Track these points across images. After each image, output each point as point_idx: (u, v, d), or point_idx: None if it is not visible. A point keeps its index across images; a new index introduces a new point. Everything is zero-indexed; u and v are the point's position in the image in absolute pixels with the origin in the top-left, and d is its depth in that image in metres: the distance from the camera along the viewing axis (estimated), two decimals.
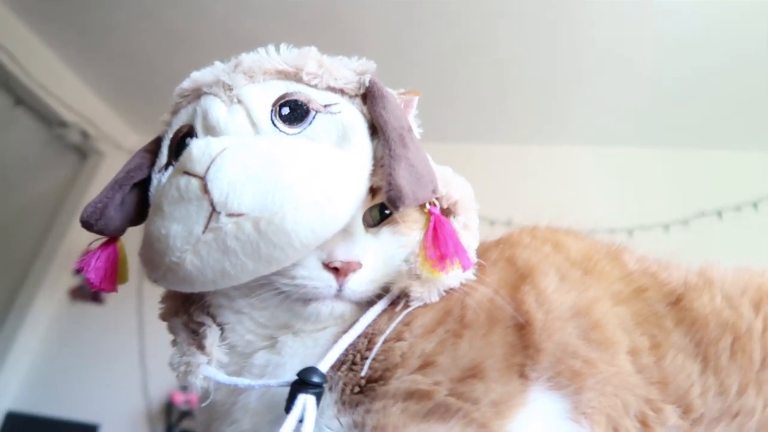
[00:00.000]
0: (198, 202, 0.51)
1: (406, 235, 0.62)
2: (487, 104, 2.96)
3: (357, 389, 0.53)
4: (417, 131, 0.68)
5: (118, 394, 3.03)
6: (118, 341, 3.16)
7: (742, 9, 2.17)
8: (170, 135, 0.62)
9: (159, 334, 2.52)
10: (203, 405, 0.61)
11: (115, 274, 0.62)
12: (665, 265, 0.65)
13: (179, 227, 0.52)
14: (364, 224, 0.60)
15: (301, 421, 0.49)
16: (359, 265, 0.57)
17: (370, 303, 0.59)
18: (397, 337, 0.55)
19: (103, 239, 0.62)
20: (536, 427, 0.51)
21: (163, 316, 0.65)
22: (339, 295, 0.57)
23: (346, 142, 0.57)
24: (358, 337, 0.56)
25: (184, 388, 2.88)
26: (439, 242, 0.55)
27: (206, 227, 0.50)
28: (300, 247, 0.50)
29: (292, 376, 0.52)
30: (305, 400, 0.50)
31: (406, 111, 0.67)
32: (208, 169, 0.51)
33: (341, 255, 0.56)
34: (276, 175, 0.50)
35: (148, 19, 2.70)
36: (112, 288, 0.63)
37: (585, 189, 2.92)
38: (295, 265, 0.55)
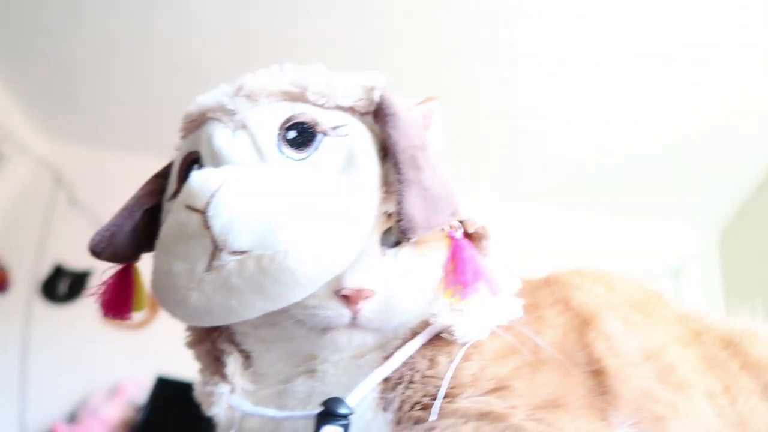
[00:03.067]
0: (199, 239, 0.49)
1: (427, 256, 0.59)
2: None
3: (417, 407, 0.52)
4: (439, 142, 0.65)
5: None
6: None
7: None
8: (179, 161, 0.60)
9: (46, 357, 2.29)
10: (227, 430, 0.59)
11: (128, 302, 0.62)
12: (702, 311, 0.69)
13: (182, 265, 0.50)
14: (383, 246, 0.58)
15: None
16: (371, 292, 0.55)
17: (413, 333, 0.57)
18: (464, 358, 0.54)
19: (117, 266, 0.62)
20: None
21: (189, 344, 0.64)
22: (355, 323, 0.55)
23: (353, 167, 0.55)
24: (406, 362, 0.55)
25: (71, 419, 2.64)
26: (457, 269, 0.54)
27: (209, 266, 0.48)
28: (307, 284, 0.49)
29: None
30: None
31: (426, 122, 0.64)
32: (208, 204, 0.48)
33: (350, 282, 0.54)
34: (276, 211, 0.48)
35: (82, 26, 2.57)
36: (125, 316, 0.62)
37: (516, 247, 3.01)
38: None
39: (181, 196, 0.52)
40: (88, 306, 2.55)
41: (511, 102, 2.63)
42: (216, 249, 0.47)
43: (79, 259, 3.08)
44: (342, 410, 0.50)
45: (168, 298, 0.52)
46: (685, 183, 2.94)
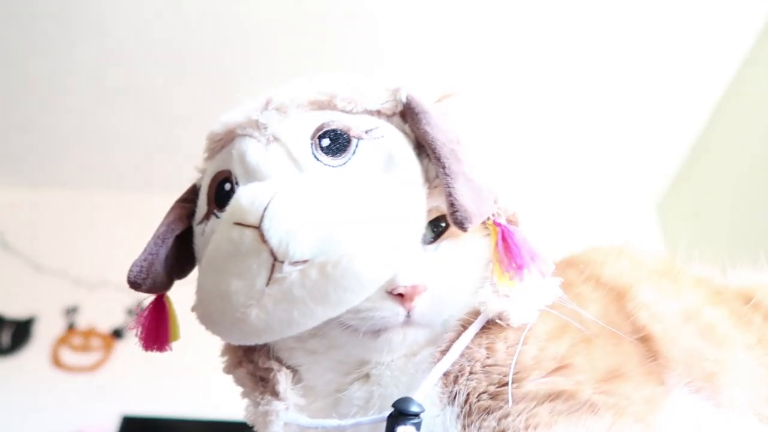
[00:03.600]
0: (256, 254, 0.48)
1: (466, 248, 0.60)
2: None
3: (485, 397, 0.53)
4: (469, 136, 0.65)
5: None
6: None
7: None
8: (207, 182, 0.60)
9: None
10: None
11: (167, 333, 0.62)
12: (709, 273, 0.73)
13: (239, 282, 0.49)
14: (421, 243, 0.58)
15: None
16: (425, 287, 0.55)
17: (464, 324, 0.58)
18: (523, 341, 0.55)
19: (151, 298, 0.62)
20: (689, 428, 0.53)
21: (227, 369, 0.63)
22: (409, 321, 0.55)
23: (394, 167, 0.55)
24: (462, 354, 0.55)
25: None
26: (512, 253, 0.54)
27: (270, 279, 0.48)
28: (370, 286, 0.49)
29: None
30: None
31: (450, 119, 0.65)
32: (262, 218, 0.48)
33: (404, 280, 0.53)
34: (334, 216, 0.48)
35: (6, 65, 2.47)
36: (165, 348, 0.63)
37: None
38: None
39: (228, 215, 0.52)
40: (36, 353, 2.44)
41: None
42: (276, 261, 0.47)
43: (19, 305, 2.93)
44: (414, 409, 0.50)
45: (222, 319, 0.51)
46: (618, 156, 3.04)
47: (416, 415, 0.50)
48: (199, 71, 2.48)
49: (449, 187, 0.51)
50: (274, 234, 0.47)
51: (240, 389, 0.60)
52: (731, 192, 2.65)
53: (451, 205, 0.51)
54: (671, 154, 3.00)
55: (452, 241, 0.60)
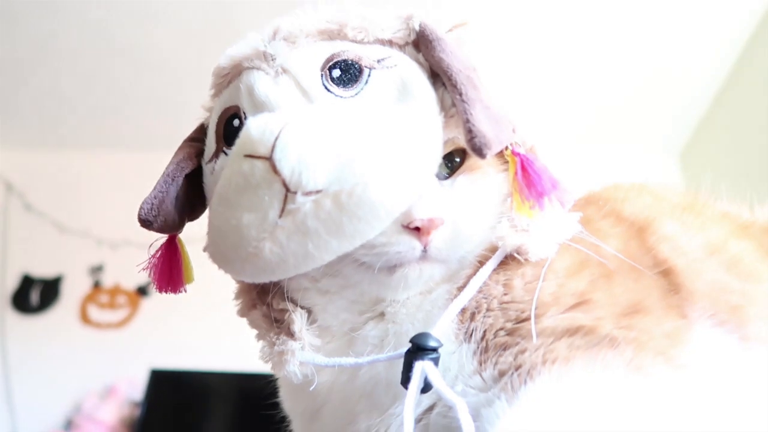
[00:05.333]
0: (268, 185, 0.47)
1: (482, 181, 0.58)
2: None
3: (502, 333, 0.52)
4: (484, 66, 0.63)
5: None
6: None
7: None
8: (215, 119, 0.58)
9: (30, 369, 2.24)
10: (293, 395, 0.61)
11: (181, 275, 0.61)
12: (738, 209, 0.70)
13: (251, 216, 0.48)
14: (437, 177, 0.56)
15: (424, 390, 0.48)
16: (442, 220, 0.53)
17: (481, 260, 0.57)
18: (539, 278, 0.54)
19: (163, 239, 0.61)
20: (714, 360, 0.52)
21: (241, 312, 0.62)
22: (425, 256, 0.54)
23: (409, 96, 0.53)
24: (480, 289, 0.55)
25: (67, 427, 2.61)
26: (533, 180, 0.53)
27: (282, 211, 0.47)
28: (385, 217, 0.47)
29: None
30: (423, 367, 0.48)
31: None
32: (273, 148, 0.47)
33: (421, 213, 0.52)
34: (348, 144, 0.47)
35: (12, 27, 2.45)
36: (180, 289, 0.62)
37: None
38: None
39: (238, 148, 0.50)
40: (65, 311, 2.50)
41: None
42: (288, 192, 0.46)
43: (46, 265, 3.00)
44: (432, 344, 0.49)
45: (235, 254, 0.50)
46: (638, 108, 2.98)
47: (434, 350, 0.49)
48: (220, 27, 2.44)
49: (466, 114, 0.49)
50: (286, 164, 0.46)
51: (255, 332, 0.60)
52: (753, 141, 2.59)
53: (469, 131, 0.49)
54: (693, 103, 2.93)
55: (468, 176, 0.58)
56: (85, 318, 2.89)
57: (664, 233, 0.60)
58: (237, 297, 0.62)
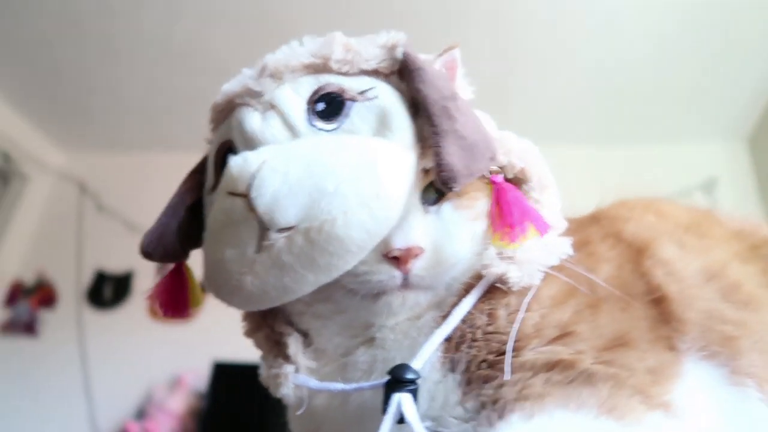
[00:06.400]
0: (246, 222, 0.49)
1: (470, 208, 0.58)
2: None
3: (484, 365, 0.51)
4: (467, 91, 0.64)
5: (63, 430, 2.83)
6: (58, 374, 2.94)
7: None
8: (213, 153, 0.60)
9: (105, 361, 2.36)
10: (300, 415, 0.60)
11: (185, 300, 0.63)
12: (755, 223, 0.66)
13: (232, 251, 0.50)
14: (423, 204, 0.57)
15: (401, 421, 0.47)
16: (420, 249, 0.54)
17: (467, 288, 0.56)
18: (525, 308, 0.53)
19: (170, 266, 0.63)
20: (698, 399, 0.49)
21: (247, 333, 0.63)
22: (406, 283, 0.54)
23: (386, 128, 0.54)
24: (465, 318, 0.54)
25: (140, 416, 2.74)
26: (503, 212, 0.53)
27: (259, 247, 0.48)
28: (357, 251, 0.49)
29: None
30: (400, 399, 0.48)
31: (451, 73, 0.63)
32: (249, 186, 0.49)
33: (399, 242, 0.53)
34: (318, 181, 0.48)
35: (76, 30, 2.56)
36: (185, 314, 0.63)
37: None
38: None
39: (222, 184, 0.53)
40: (135, 306, 2.63)
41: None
42: (263, 229, 0.48)
43: (118, 262, 3.16)
44: (409, 375, 0.49)
45: (222, 286, 0.52)
46: (702, 90, 2.84)
47: (412, 381, 0.49)
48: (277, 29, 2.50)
49: (437, 146, 0.50)
50: (261, 202, 0.47)
51: (259, 352, 0.61)
52: None
53: (438, 164, 0.49)
54: (761, 84, 2.78)
55: (455, 202, 0.58)
56: (153, 312, 3.02)
57: (661, 257, 0.58)
58: (243, 319, 0.64)
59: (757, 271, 0.58)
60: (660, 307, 0.53)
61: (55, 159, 3.45)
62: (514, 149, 0.59)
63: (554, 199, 0.61)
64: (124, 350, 2.94)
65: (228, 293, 0.53)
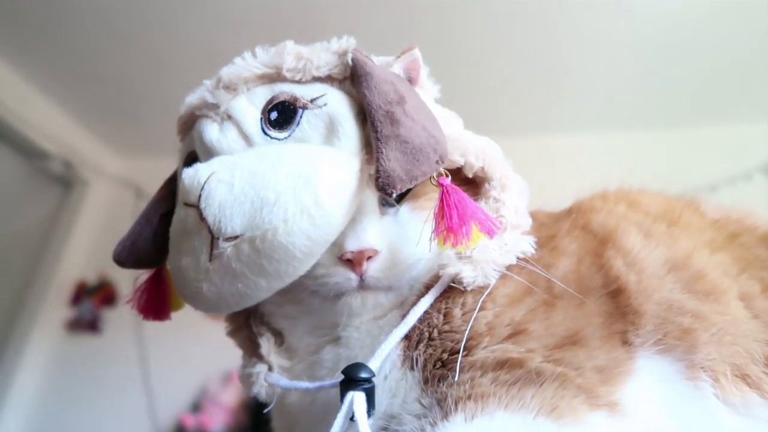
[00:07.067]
0: (199, 232, 0.51)
1: (427, 209, 0.57)
2: (477, 97, 2.94)
3: (439, 364, 0.52)
4: (430, 90, 0.64)
5: (125, 422, 2.96)
6: (120, 369, 3.09)
7: None
8: (181, 163, 0.62)
9: (163, 357, 2.46)
10: (276, 412, 0.62)
11: (165, 303, 0.64)
12: (744, 212, 0.63)
13: (188, 259, 0.52)
14: (383, 206, 0.58)
15: (353, 419, 0.48)
16: (374, 251, 0.55)
17: (428, 288, 0.57)
18: (479, 307, 0.53)
19: (149, 272, 0.64)
20: (649, 397, 0.48)
21: (230, 334, 0.65)
22: (363, 285, 0.55)
23: (334, 135, 0.55)
24: (425, 315, 0.55)
25: (195, 409, 2.85)
26: (444, 215, 0.52)
27: (211, 255, 0.50)
28: (303, 257, 0.49)
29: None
30: (352, 397, 0.48)
31: (413, 72, 0.64)
32: (199, 197, 0.50)
33: (351, 245, 0.54)
34: (260, 191, 0.49)
35: (127, 42, 2.67)
36: (165, 317, 0.64)
37: (574, 177, 2.90)
38: (315, 264, 0.53)
39: (179, 195, 0.54)
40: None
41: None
42: (213, 239, 0.49)
43: None
44: (362, 375, 0.49)
45: (185, 292, 0.54)
46: (761, 76, 2.69)
47: (366, 380, 0.49)
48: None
49: (377, 152, 0.50)
50: (209, 212, 0.49)
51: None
52: None
53: (376, 170, 0.49)
54: None
55: (412, 203, 0.58)
56: None
57: (622, 246, 0.56)
58: (226, 320, 0.65)
59: (729, 260, 0.56)
60: (617, 300, 0.52)
61: (113, 165, 3.60)
62: (470, 149, 0.59)
63: (517, 197, 0.60)
64: (180, 346, 3.03)
65: (190, 299, 0.55)
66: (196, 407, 2.87)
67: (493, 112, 2.96)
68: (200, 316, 2.91)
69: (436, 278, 0.56)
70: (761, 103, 2.88)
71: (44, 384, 3.16)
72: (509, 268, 0.56)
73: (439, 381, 0.51)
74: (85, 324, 3.23)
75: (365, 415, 0.47)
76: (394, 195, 0.50)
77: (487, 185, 0.60)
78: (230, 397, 2.84)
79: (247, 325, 0.63)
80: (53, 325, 3.26)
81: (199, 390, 2.94)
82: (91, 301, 3.28)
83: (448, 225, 0.51)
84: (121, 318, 3.24)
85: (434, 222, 0.52)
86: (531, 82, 2.81)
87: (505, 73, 2.76)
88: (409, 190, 0.58)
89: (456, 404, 0.46)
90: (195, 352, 3.02)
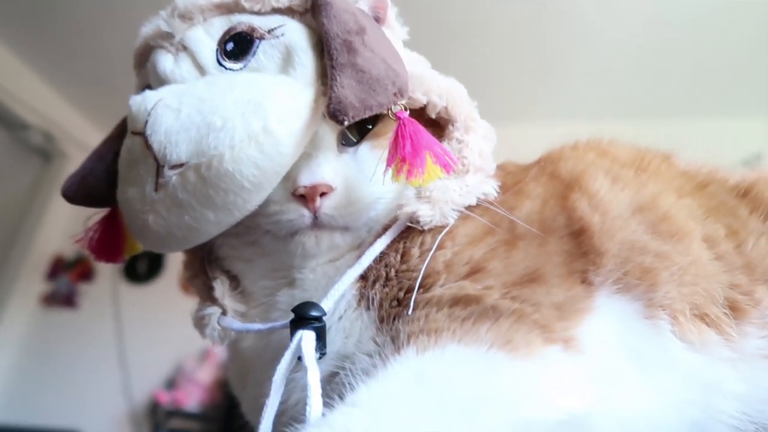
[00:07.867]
0: (144, 160, 0.49)
1: (385, 148, 0.54)
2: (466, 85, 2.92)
3: (395, 303, 0.51)
4: (398, 31, 0.63)
5: (99, 398, 2.95)
6: (96, 344, 3.07)
7: None
8: None
9: (139, 333, 2.47)
10: (232, 358, 0.62)
11: (120, 244, 0.62)
12: (716, 168, 0.63)
13: (134, 190, 0.50)
14: (342, 145, 0.56)
15: (300, 358, 0.46)
16: (329, 187, 0.53)
17: (386, 229, 0.56)
18: (438, 246, 0.52)
19: (102, 212, 0.62)
20: (606, 334, 0.47)
21: (188, 280, 0.63)
22: (317, 223, 0.54)
23: (290, 65, 0.53)
24: (382, 254, 0.54)
25: (170, 386, 2.85)
26: (397, 144, 0.50)
27: (156, 185, 0.48)
28: (251, 187, 0.48)
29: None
30: (301, 336, 0.47)
31: (380, 11, 0.62)
32: (146, 123, 0.49)
33: (304, 180, 0.53)
34: (207, 117, 0.47)
35: (110, 16, 2.63)
36: (119, 259, 0.62)
37: None
38: (268, 200, 0.52)
39: (128, 124, 0.53)
40: (168, 281, 2.70)
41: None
42: (159, 166, 0.47)
43: None
44: (312, 313, 0.48)
45: (133, 226, 0.53)
46: (748, 70, 2.71)
47: (317, 318, 0.48)
48: None
49: (331, 79, 0.48)
50: (155, 139, 0.47)
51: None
52: None
53: (329, 97, 0.47)
54: None
55: (372, 142, 0.57)
56: (185, 288, 3.10)
57: (588, 189, 0.55)
58: (184, 267, 0.63)
59: (695, 205, 0.56)
60: (579, 240, 0.52)
61: (94, 139, 3.50)
62: (434, 88, 0.58)
63: (482, 140, 0.59)
64: (157, 323, 3.02)
65: (138, 234, 0.53)
66: (171, 384, 2.88)
67: (482, 100, 2.95)
68: (176, 292, 2.95)
69: (395, 220, 0.55)
70: (747, 97, 2.90)
71: (19, 358, 3.14)
72: (472, 209, 0.55)
73: (394, 319, 0.50)
74: (62, 299, 3.21)
75: (313, 352, 0.46)
76: (346, 123, 0.48)
77: (450, 127, 0.59)
78: (206, 375, 2.84)
79: (204, 271, 0.61)
80: (29, 299, 3.23)
81: (175, 367, 2.94)
82: (68, 276, 3.25)
83: (402, 154, 0.50)
84: (98, 293, 3.23)
85: (389, 153, 0.51)
86: (521, 71, 2.81)
87: (495, 61, 2.76)
88: (370, 129, 0.57)
89: (408, 338, 0.46)
90: (171, 329, 3.01)
